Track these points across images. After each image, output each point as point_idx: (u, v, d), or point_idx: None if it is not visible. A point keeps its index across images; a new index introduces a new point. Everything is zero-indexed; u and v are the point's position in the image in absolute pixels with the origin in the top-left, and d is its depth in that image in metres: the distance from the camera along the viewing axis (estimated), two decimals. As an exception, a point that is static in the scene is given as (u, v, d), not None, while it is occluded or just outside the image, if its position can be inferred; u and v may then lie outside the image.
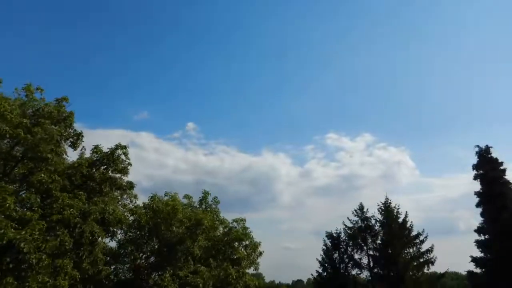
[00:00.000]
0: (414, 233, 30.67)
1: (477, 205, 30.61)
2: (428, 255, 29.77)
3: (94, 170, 17.90)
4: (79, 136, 17.20)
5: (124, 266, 21.42)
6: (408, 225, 30.93)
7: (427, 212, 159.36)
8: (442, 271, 31.99)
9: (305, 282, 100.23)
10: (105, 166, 18.15)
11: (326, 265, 32.06)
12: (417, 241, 30.41)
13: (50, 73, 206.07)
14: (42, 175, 14.86)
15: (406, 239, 30.41)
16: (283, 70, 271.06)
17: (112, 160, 18.02)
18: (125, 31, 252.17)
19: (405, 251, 30.16)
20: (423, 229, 30.71)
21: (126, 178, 19.24)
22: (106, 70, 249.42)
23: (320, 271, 32.21)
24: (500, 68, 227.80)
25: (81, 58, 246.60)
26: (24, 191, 16.10)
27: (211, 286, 19.94)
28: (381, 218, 31.81)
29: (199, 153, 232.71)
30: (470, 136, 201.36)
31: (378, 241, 31.42)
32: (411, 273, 29.03)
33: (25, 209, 14.42)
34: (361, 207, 33.10)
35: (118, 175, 18.54)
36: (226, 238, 24.33)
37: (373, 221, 32.15)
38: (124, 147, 18.38)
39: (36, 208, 14.33)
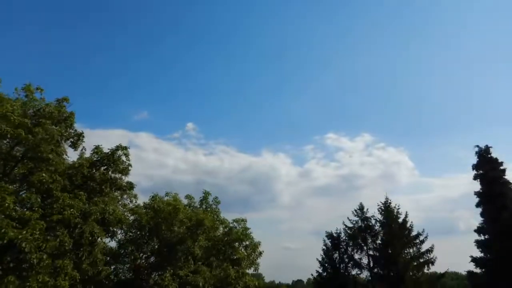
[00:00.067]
0: (414, 233, 30.68)
1: (477, 205, 30.61)
2: (428, 255, 29.76)
3: (94, 171, 17.91)
4: (79, 136, 17.21)
5: (124, 266, 21.42)
6: (408, 225, 30.92)
7: (426, 212, 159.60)
8: (442, 271, 32.02)
9: (305, 282, 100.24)
10: (105, 167, 18.16)
11: (326, 265, 32.04)
12: (417, 241, 30.40)
13: (50, 73, 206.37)
14: (43, 175, 14.87)
15: (406, 239, 30.40)
16: (283, 70, 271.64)
17: (112, 161, 18.03)
18: (125, 31, 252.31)
19: (405, 251, 30.15)
20: (423, 229, 30.73)
21: (126, 179, 19.27)
22: (105, 70, 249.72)
23: (320, 271, 32.20)
24: (500, 68, 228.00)
25: (81, 58, 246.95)
26: (24, 191, 16.12)
27: (212, 286, 19.95)
28: (381, 218, 31.80)
29: (199, 153, 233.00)
30: (469, 136, 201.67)
31: (378, 241, 31.41)
32: (411, 273, 29.02)
33: (25, 209, 14.43)
34: (361, 207, 33.09)
35: (118, 176, 18.55)
36: (226, 238, 24.33)
37: (373, 221, 32.15)
38: (125, 148, 18.41)
39: (36, 208, 14.34)
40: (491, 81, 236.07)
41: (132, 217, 21.70)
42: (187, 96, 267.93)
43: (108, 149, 18.38)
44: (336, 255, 32.24)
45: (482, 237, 29.88)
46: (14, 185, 15.91)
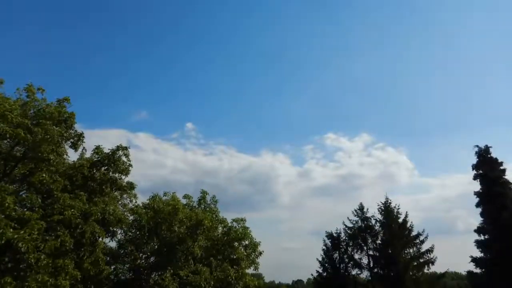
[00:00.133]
0: (414, 233, 30.71)
1: (477, 205, 30.62)
2: (428, 255, 29.79)
3: (95, 171, 17.92)
4: (80, 137, 17.20)
5: (124, 266, 21.41)
6: (408, 225, 30.96)
7: (425, 212, 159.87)
8: (442, 271, 32.06)
9: (305, 282, 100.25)
10: (106, 167, 18.17)
11: (326, 265, 32.05)
12: (417, 241, 30.43)
13: (50, 73, 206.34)
14: (44, 175, 14.88)
15: (406, 239, 30.43)
16: (283, 71, 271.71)
17: (113, 161, 18.03)
18: (125, 31, 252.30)
19: (405, 251, 30.17)
20: (423, 229, 30.78)
21: (126, 179, 19.29)
22: (105, 70, 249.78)
23: (320, 271, 32.22)
24: (500, 68, 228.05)
25: (81, 58, 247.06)
26: (24, 191, 16.13)
27: (212, 286, 19.96)
28: (381, 218, 31.81)
29: (198, 153, 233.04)
30: (469, 136, 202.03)
31: (378, 241, 31.42)
32: (411, 273, 29.04)
33: (25, 209, 14.43)
34: (361, 207, 33.11)
35: (118, 176, 18.55)
36: (225, 238, 24.33)
37: (373, 221, 32.17)
38: (125, 148, 18.42)
39: (37, 208, 14.34)
40: (491, 81, 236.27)
41: (132, 217, 21.70)
42: (186, 96, 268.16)
43: (109, 149, 18.41)
44: (336, 255, 32.25)
45: (482, 237, 29.89)
46: (14, 185, 15.92)
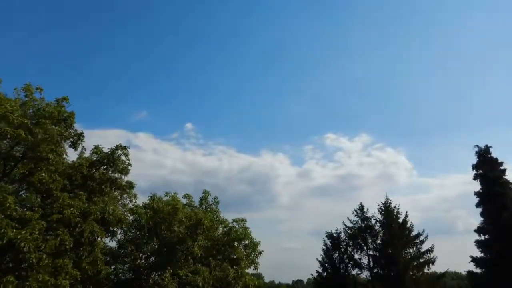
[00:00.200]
0: (414, 233, 30.69)
1: (477, 205, 30.60)
2: (428, 255, 29.77)
3: (94, 170, 17.89)
4: (80, 136, 17.19)
5: (124, 266, 21.38)
6: (408, 225, 30.94)
7: (425, 212, 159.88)
8: (442, 271, 32.04)
9: (305, 282, 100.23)
10: (105, 166, 18.14)
11: (326, 265, 32.03)
12: (417, 241, 30.41)
13: (49, 73, 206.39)
14: (43, 174, 14.86)
15: (406, 239, 30.41)
16: (283, 71, 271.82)
17: (112, 160, 18.00)
18: (125, 31, 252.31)
19: (405, 251, 30.15)
20: (423, 229, 30.77)
21: (126, 178, 19.26)
22: (105, 70, 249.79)
23: (320, 271, 32.20)
24: (500, 68, 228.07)
25: (81, 58, 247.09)
26: (24, 191, 16.11)
27: (211, 286, 19.94)
28: (381, 218, 31.79)
29: (197, 153, 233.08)
30: (469, 136, 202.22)
31: (378, 241, 31.41)
32: (411, 273, 29.02)
33: (25, 209, 14.42)
34: (361, 207, 33.08)
35: (118, 175, 18.52)
36: (226, 238, 24.30)
37: (373, 221, 32.15)
38: (125, 148, 18.39)
39: (36, 208, 14.33)
40: (491, 81, 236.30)
41: (131, 217, 21.67)
42: (186, 96, 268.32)
43: (108, 148, 18.40)
44: (336, 255, 32.23)
45: (482, 237, 29.88)
46: (14, 185, 15.90)
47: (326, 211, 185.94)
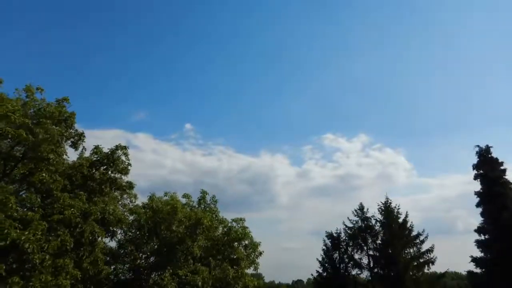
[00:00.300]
0: (414, 233, 30.69)
1: (477, 205, 30.60)
2: (428, 255, 29.77)
3: (94, 170, 17.89)
4: (80, 136, 17.19)
5: (124, 266, 21.38)
6: (408, 225, 30.94)
7: (425, 212, 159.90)
8: (442, 271, 32.04)
9: (305, 282, 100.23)
10: (105, 167, 18.14)
11: (326, 265, 32.04)
12: (417, 241, 30.41)
13: (50, 73, 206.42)
14: (43, 174, 14.86)
15: (406, 239, 30.41)
16: (283, 71, 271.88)
17: (112, 161, 18.00)
18: (125, 31, 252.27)
19: (405, 251, 30.15)
20: (423, 229, 30.77)
21: (126, 178, 19.26)
22: (105, 70, 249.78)
23: (320, 271, 32.20)
24: (500, 68, 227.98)
25: (81, 58, 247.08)
26: (24, 191, 16.11)
27: (210, 286, 19.93)
28: (381, 218, 31.79)
29: (197, 153, 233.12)
30: (469, 136, 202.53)
31: (378, 241, 31.41)
32: (411, 273, 29.02)
33: (26, 209, 14.43)
34: (361, 207, 33.08)
35: (118, 175, 18.52)
36: (225, 238, 24.28)
37: (373, 221, 32.16)
38: (125, 148, 18.40)
39: (37, 208, 14.33)
40: (491, 81, 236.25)
41: (131, 217, 21.67)
42: (186, 97, 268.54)
43: (108, 149, 18.40)
44: (336, 255, 32.23)
45: (482, 237, 29.88)
46: (14, 185, 15.90)
47: (326, 211, 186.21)
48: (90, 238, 15.32)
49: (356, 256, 31.81)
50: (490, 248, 28.83)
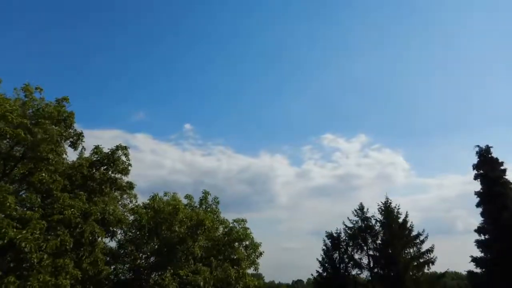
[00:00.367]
0: (414, 233, 30.69)
1: (477, 205, 30.61)
2: (428, 255, 29.78)
3: (94, 171, 17.86)
4: (79, 136, 17.14)
5: (124, 266, 21.36)
6: (408, 225, 30.95)
7: (424, 212, 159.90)
8: (442, 271, 32.05)
9: (305, 282, 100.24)
10: (105, 167, 18.11)
11: (326, 265, 32.04)
12: (417, 241, 30.42)
13: (49, 73, 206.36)
14: (43, 174, 14.83)
15: (406, 239, 30.41)
16: (283, 71, 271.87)
17: (112, 161, 17.97)
18: (125, 31, 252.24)
19: (405, 251, 30.16)
20: (423, 229, 30.79)
21: (126, 179, 19.23)
22: (104, 70, 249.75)
23: (320, 271, 32.20)
24: (500, 68, 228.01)
25: (81, 58, 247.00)
26: (24, 191, 16.09)
27: (212, 286, 19.92)
28: (381, 218, 31.79)
29: (196, 154, 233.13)
30: (469, 136, 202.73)
31: (378, 241, 31.41)
32: (411, 273, 29.02)
33: (25, 209, 14.40)
34: (361, 207, 33.08)
35: (118, 176, 18.50)
36: (226, 238, 24.28)
37: (373, 221, 32.16)
38: (125, 148, 18.35)
39: (36, 208, 14.31)
40: (491, 81, 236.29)
41: (132, 217, 21.65)
42: (186, 97, 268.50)
43: (108, 149, 18.36)
44: (336, 255, 32.23)
45: (482, 237, 29.89)
46: (14, 185, 15.88)
47: (325, 211, 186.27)
48: (90, 238, 15.29)
49: (356, 256, 31.84)
50: (490, 248, 28.84)
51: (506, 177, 30.14)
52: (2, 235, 11.93)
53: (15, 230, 12.31)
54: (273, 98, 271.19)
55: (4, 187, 13.60)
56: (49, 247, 13.20)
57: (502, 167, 30.53)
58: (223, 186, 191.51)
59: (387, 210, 31.57)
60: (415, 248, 30.31)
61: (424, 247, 30.12)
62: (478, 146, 31.99)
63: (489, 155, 31.23)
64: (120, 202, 21.35)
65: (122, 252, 21.34)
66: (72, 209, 14.59)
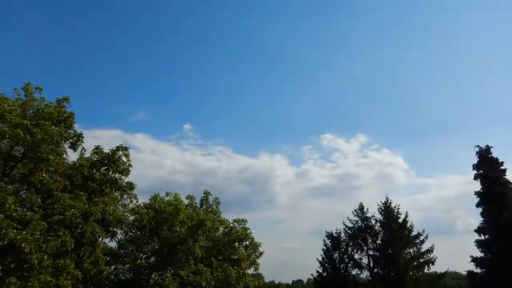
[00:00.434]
0: (414, 233, 30.71)
1: (477, 205, 30.63)
2: (428, 255, 29.81)
3: (95, 171, 17.87)
4: (79, 137, 17.14)
5: (124, 266, 21.37)
6: (408, 225, 30.97)
7: (424, 212, 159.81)
8: (442, 271, 32.08)
9: (305, 282, 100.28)
10: (106, 167, 18.11)
11: (326, 265, 32.06)
12: (417, 241, 30.45)
13: (49, 73, 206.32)
14: (44, 175, 14.83)
15: (406, 239, 30.44)
16: (283, 71, 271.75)
17: (113, 161, 17.97)
18: (125, 31, 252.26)
19: (405, 251, 30.19)
20: (423, 229, 30.81)
21: (126, 179, 19.23)
22: (104, 70, 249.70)
23: (320, 271, 32.22)
24: (500, 68, 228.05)
25: (81, 58, 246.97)
26: (24, 191, 16.09)
27: (212, 286, 19.93)
28: (381, 218, 31.82)
29: (196, 154, 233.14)
30: (469, 136, 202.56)
31: (378, 241, 31.44)
32: (411, 273, 29.05)
33: (25, 209, 14.40)
34: (361, 207, 33.10)
35: (118, 176, 18.51)
36: (226, 239, 24.30)
37: (373, 221, 32.19)
38: (125, 149, 18.34)
39: (37, 209, 14.31)
40: (491, 81, 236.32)
41: (132, 217, 21.67)
42: (186, 97, 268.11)
43: (109, 149, 18.36)
44: (336, 255, 32.25)
45: (482, 237, 29.91)
46: (14, 185, 15.88)
47: (325, 211, 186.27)
48: (91, 238, 15.31)
49: (356, 256, 31.87)
50: (490, 248, 28.86)
51: (506, 177, 30.18)
52: (2, 236, 11.92)
53: (15, 231, 12.30)
54: (273, 98, 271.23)
55: (4, 188, 13.60)
56: (50, 248, 13.19)
57: (502, 167, 30.56)
58: (223, 186, 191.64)
59: (387, 210, 31.59)
60: (415, 248, 30.34)
61: (424, 247, 30.19)
62: (478, 146, 32.06)
63: (489, 155, 31.25)
64: (120, 202, 21.36)
65: (122, 252, 21.35)
66: (73, 210, 14.58)
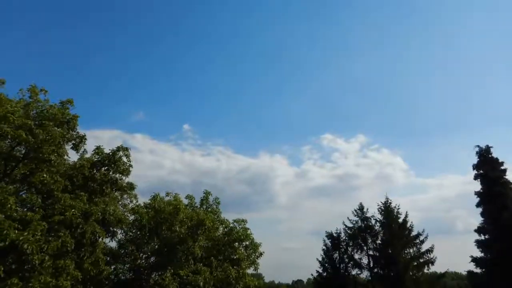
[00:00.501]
0: (414, 233, 30.73)
1: (477, 205, 30.66)
2: (428, 255, 29.84)
3: (95, 171, 17.90)
4: (82, 139, 17.19)
5: (124, 266, 21.40)
6: (408, 225, 31.00)
7: (424, 212, 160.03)
8: (442, 271, 32.10)
9: (305, 282, 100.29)
10: (106, 167, 18.14)
11: (326, 265, 32.09)
12: (417, 241, 30.47)
13: (49, 73, 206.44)
14: (44, 175, 14.86)
15: (406, 239, 30.46)
16: (283, 71, 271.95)
17: (113, 162, 18.01)
18: (125, 31, 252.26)
19: (405, 251, 30.21)
20: (423, 229, 30.84)
21: (127, 179, 19.27)
22: (104, 70, 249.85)
23: (320, 271, 32.25)
24: (500, 68, 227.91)
25: (81, 58, 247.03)
26: (24, 191, 16.11)
27: (212, 286, 19.95)
28: (381, 218, 31.85)
29: (196, 154, 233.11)
30: (469, 136, 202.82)
31: (378, 241, 31.47)
32: (411, 273, 29.07)
33: (26, 210, 14.43)
34: (361, 207, 33.13)
35: (119, 176, 18.54)
36: (226, 238, 24.31)
37: (373, 221, 32.22)
38: (126, 149, 18.36)
39: (37, 209, 14.34)
40: (491, 81, 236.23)
41: (132, 217, 21.71)
42: (185, 97, 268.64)
43: (109, 149, 18.40)
44: (336, 255, 32.28)
45: (482, 237, 29.92)
46: (14, 185, 15.91)
47: (325, 211, 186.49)
48: (92, 238, 15.34)
49: (356, 256, 31.91)
50: (490, 248, 28.88)
51: (506, 177, 30.21)
52: (4, 236, 11.94)
53: (16, 231, 12.33)
54: (273, 98, 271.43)
55: (5, 188, 13.63)
56: (51, 249, 13.22)
57: (502, 167, 30.58)
58: (223, 186, 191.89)
59: (387, 210, 31.61)
60: (415, 248, 30.37)
61: (424, 247, 30.23)
62: (478, 146, 32.09)
63: (489, 155, 31.27)
64: (120, 202, 21.40)
65: (122, 252, 21.38)
66: (73, 210, 14.61)
